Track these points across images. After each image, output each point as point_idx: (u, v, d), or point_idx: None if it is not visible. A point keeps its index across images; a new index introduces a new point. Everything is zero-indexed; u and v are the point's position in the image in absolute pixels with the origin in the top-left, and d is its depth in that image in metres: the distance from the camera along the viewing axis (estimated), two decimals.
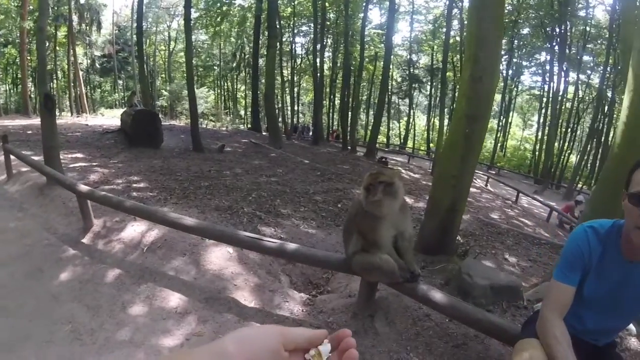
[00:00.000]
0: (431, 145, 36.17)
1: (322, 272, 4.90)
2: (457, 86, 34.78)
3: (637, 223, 1.54)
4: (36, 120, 19.58)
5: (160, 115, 31.89)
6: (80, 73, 35.45)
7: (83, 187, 5.15)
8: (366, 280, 3.12)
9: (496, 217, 10.88)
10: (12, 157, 7.86)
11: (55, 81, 37.56)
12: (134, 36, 27.83)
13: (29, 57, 27.11)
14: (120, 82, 43.87)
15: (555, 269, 1.84)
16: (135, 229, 5.02)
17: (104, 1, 37.07)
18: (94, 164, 9.26)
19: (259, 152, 14.37)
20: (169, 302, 3.70)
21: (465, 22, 29.25)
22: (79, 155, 10.26)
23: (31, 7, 24.94)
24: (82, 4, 32.19)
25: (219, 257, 4.46)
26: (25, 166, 7.61)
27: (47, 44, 33.74)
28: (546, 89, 31.61)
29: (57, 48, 34.88)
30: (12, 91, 38.31)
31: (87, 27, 35.28)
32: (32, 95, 32.80)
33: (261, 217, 6.01)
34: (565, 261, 1.79)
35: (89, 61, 41.18)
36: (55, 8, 31.43)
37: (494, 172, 26.47)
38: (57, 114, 26.89)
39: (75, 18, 32.34)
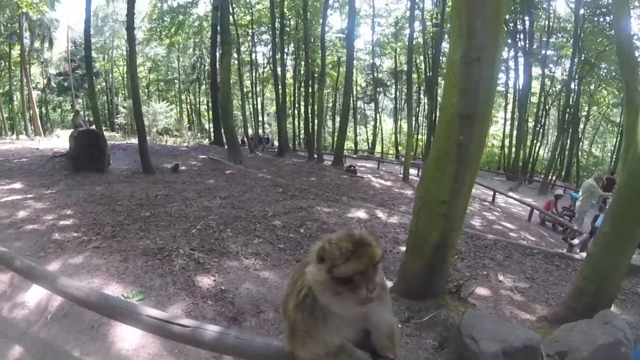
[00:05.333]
0: (400, 148, 35.77)
1: None
2: (422, 87, 34.58)
3: None
4: None
5: (118, 134, 30.55)
6: (35, 93, 33.57)
7: None
8: None
9: (477, 225, 10.06)
10: None
11: (11, 103, 35.64)
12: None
13: None
14: (80, 100, 41.85)
15: None
16: (41, 289, 3.89)
17: (57, 16, 34.92)
18: (29, 195, 8.14)
19: (216, 170, 13.13)
20: None
21: (428, 23, 29.28)
22: (17, 185, 9.15)
23: None
24: (33, 20, 30.19)
25: (135, 330, 3.30)
26: None
27: (2, 63, 32.01)
28: (510, 84, 31.62)
29: (13, 67, 32.89)
30: None
31: (40, 45, 33.42)
32: None
33: (200, 260, 4.78)
34: None
35: (45, 80, 39.18)
36: (8, 25, 29.56)
37: None
38: (15, 137, 25.37)
39: (27, 35, 30.71)
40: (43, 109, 39.32)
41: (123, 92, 45.87)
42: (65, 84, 40.22)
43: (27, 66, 30.92)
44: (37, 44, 33.31)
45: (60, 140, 21.28)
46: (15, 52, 31.35)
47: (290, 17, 29.04)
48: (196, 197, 8.75)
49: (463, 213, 3.93)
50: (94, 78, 20.02)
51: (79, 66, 39.60)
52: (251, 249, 5.41)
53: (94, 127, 15.63)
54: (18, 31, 29.29)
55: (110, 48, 42.11)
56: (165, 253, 4.93)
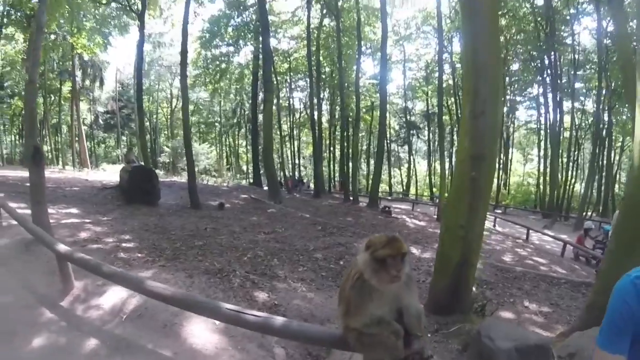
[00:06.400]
0: (434, 190, 35.85)
1: None
2: (455, 128, 35.00)
3: None
4: None
5: (161, 172, 32.28)
6: (84, 128, 35.99)
7: (62, 247, 4.75)
8: (368, 358, 2.63)
9: (509, 260, 10.37)
10: (2, 210, 7.47)
11: (59, 135, 38.32)
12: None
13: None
14: (124, 138, 44.58)
15: (598, 335, 1.41)
16: (116, 294, 4.65)
17: (107, 58, 37.85)
18: (87, 220, 8.93)
19: (258, 208, 14.00)
20: None
21: (457, 65, 30.08)
22: (74, 210, 9.98)
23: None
24: (85, 60, 32.98)
25: (203, 328, 4.03)
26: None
27: (52, 98, 34.99)
28: (542, 121, 31.40)
29: (62, 103, 35.67)
30: (18, 142, 38.55)
31: (91, 84, 36.16)
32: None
33: (254, 280, 5.54)
34: (611, 324, 1.37)
35: (92, 117, 42.08)
36: (60, 63, 32.37)
37: (500, 212, 25.53)
38: (61, 167, 27.34)
39: (78, 74, 33.26)
40: (89, 143, 41.66)
41: (165, 132, 48.48)
42: (112, 122, 43.27)
43: (77, 102, 33.53)
44: (87, 83, 35.87)
45: (106, 174, 22.54)
46: (66, 88, 34.10)
47: (325, 64, 30.73)
48: (242, 231, 9.52)
49: (480, 236, 4.70)
50: (143, 118, 21.80)
51: (126, 106, 42.66)
52: (297, 275, 6.12)
53: (142, 163, 16.87)
54: (70, 69, 31.98)
55: (155, 90, 44.84)
56: (224, 273, 5.69)
